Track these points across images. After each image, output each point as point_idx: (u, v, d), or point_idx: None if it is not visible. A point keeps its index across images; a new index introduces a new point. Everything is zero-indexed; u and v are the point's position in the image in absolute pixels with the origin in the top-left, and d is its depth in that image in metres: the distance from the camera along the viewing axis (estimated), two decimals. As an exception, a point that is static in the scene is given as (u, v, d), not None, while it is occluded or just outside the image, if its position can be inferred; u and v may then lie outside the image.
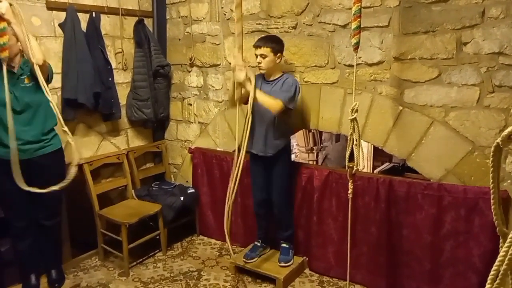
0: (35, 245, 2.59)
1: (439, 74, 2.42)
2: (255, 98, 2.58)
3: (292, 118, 2.86)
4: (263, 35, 2.82)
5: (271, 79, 2.74)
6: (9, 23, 2.08)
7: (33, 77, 2.35)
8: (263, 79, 2.78)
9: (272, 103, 2.59)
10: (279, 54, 2.67)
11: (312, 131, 7.89)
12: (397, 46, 2.53)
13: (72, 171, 2.24)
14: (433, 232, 2.51)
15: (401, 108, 2.59)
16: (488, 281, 0.82)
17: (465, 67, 2.34)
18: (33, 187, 2.24)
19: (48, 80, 2.44)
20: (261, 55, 2.63)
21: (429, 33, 2.41)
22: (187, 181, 3.74)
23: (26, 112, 2.34)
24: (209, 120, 3.58)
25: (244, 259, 2.99)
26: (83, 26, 2.99)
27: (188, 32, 3.53)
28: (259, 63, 2.66)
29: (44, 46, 2.80)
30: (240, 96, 2.71)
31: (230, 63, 2.80)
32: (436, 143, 2.49)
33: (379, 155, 7.71)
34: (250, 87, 2.59)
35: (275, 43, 2.65)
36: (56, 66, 2.84)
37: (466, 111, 2.37)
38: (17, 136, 2.28)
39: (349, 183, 2.35)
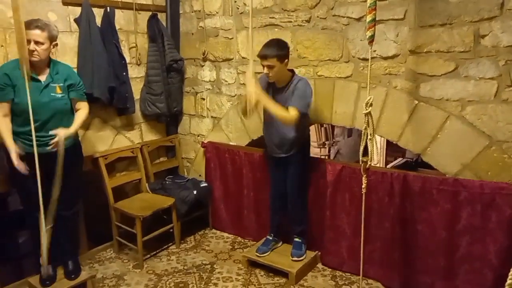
0: (52, 236, 2.64)
1: (456, 67, 2.38)
2: (271, 112, 2.58)
3: (308, 117, 2.84)
4: (265, 42, 2.65)
5: (281, 85, 2.68)
6: None
7: (63, 88, 2.43)
8: (273, 85, 2.72)
9: (286, 116, 2.53)
10: (286, 61, 2.58)
11: (324, 125, 7.84)
12: (412, 39, 2.50)
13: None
14: (448, 227, 2.48)
15: (416, 102, 2.55)
16: (510, 276, 0.81)
17: (483, 60, 2.29)
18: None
19: None
20: (268, 66, 2.54)
21: (446, 25, 2.37)
22: (200, 175, 3.77)
23: (51, 121, 2.41)
24: (222, 115, 3.59)
25: (257, 253, 3.00)
26: (98, 21, 3.01)
27: (201, 26, 3.53)
28: (267, 73, 2.58)
29: (60, 41, 2.82)
30: (253, 111, 2.68)
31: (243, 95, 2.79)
32: (452, 138, 2.45)
33: (391, 150, 7.63)
34: (265, 103, 2.56)
35: (280, 51, 2.53)
36: (72, 61, 2.88)
37: (484, 105, 2.33)
38: (39, 139, 2.35)
39: (363, 178, 2.33)
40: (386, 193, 2.67)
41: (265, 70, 2.58)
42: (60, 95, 2.43)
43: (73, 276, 2.68)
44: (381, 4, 2.47)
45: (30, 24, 2.27)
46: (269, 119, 2.77)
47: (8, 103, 2.33)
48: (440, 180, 2.48)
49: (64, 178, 2.54)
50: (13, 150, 2.27)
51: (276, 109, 2.55)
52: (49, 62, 2.44)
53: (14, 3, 2.02)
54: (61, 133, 2.35)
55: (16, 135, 2.40)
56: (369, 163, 2.28)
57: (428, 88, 2.50)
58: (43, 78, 2.39)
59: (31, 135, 2.34)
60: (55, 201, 2.35)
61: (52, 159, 2.42)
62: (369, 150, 2.23)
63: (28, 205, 2.60)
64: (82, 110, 2.59)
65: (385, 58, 2.62)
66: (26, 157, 2.39)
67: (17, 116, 2.37)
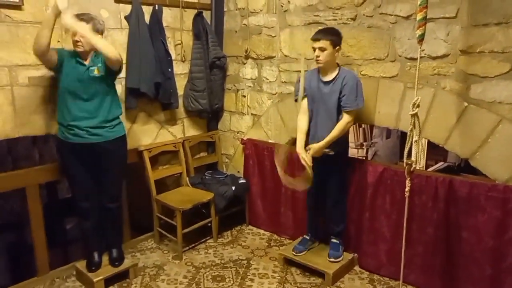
0: (98, 225, 2.77)
1: (511, 68, 2.27)
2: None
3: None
4: (320, 28, 2.77)
5: (328, 78, 2.67)
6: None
7: (102, 69, 2.52)
8: (318, 78, 2.71)
9: (345, 129, 2.65)
10: (338, 47, 2.61)
11: (363, 126, 7.69)
12: (464, 38, 2.40)
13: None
14: (496, 236, 2.37)
15: (466, 104, 2.45)
16: None
17: (542, 61, 2.17)
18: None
19: (119, 70, 2.62)
20: (319, 48, 2.57)
21: (502, 24, 2.26)
22: (238, 171, 3.81)
23: (93, 101, 2.50)
24: (262, 112, 3.61)
25: (293, 252, 3.00)
26: (147, 18, 3.11)
27: (244, 24, 3.57)
28: (317, 56, 2.60)
29: (111, 38, 2.95)
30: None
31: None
32: (504, 143, 2.34)
33: (432, 153, 7.36)
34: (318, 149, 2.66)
35: (334, 36, 2.59)
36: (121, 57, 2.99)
37: (541, 109, 2.21)
38: (83, 123, 2.48)
39: (407, 181, 2.27)
40: (430, 197, 2.59)
41: (316, 53, 2.60)
42: (98, 75, 2.51)
43: (117, 263, 2.80)
44: (432, 2, 2.36)
45: (77, 17, 2.39)
46: (317, 116, 2.76)
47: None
48: (489, 187, 2.38)
49: (109, 172, 2.67)
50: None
51: (332, 137, 2.63)
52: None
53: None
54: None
55: (61, 124, 2.54)
56: (413, 166, 2.22)
57: (480, 90, 2.39)
58: (87, 62, 2.50)
59: (73, 125, 2.47)
60: None
61: (95, 150, 2.54)
62: (415, 152, 2.18)
63: (75, 194, 2.74)
64: None
65: (434, 58, 2.53)
66: (70, 147, 2.53)
67: (61, 99, 2.49)
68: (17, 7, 2.47)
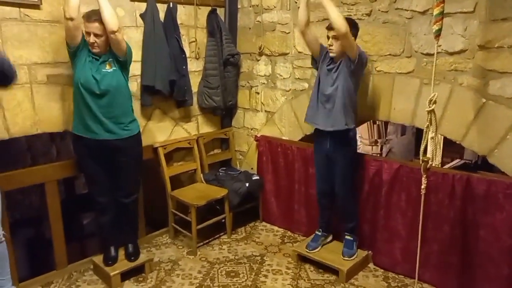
0: (114, 220, 2.82)
1: (531, 64, 2.22)
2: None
3: (358, 101, 2.77)
4: None
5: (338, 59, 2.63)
6: None
7: (114, 63, 2.55)
8: (331, 58, 2.68)
9: (341, 18, 2.40)
10: (352, 39, 2.55)
11: (377, 123, 7.62)
12: (483, 33, 2.36)
13: None
14: (515, 234, 2.34)
15: (484, 100, 2.41)
16: None
17: None
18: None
19: (127, 54, 2.58)
20: (333, 36, 2.54)
21: (522, 19, 2.21)
22: (252, 168, 3.82)
23: (106, 97, 2.51)
24: (275, 109, 3.61)
25: (307, 249, 2.99)
26: (161, 16, 3.14)
27: (258, 21, 3.56)
28: (330, 45, 2.57)
29: (127, 36, 2.97)
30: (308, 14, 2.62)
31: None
32: (523, 139, 2.30)
33: (448, 151, 7.25)
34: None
35: (349, 26, 2.51)
36: (137, 55, 3.00)
37: (562, 105, 2.16)
38: (97, 118, 2.50)
39: (423, 178, 2.25)
40: (447, 195, 2.56)
41: (329, 42, 2.58)
42: (110, 70, 2.52)
43: (132, 258, 2.84)
44: (449, -4, 2.35)
45: (90, 17, 2.40)
46: (317, 101, 2.74)
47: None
48: (508, 184, 2.34)
49: (124, 170, 2.71)
50: None
51: (331, 6, 2.43)
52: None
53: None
54: None
55: (76, 119, 2.57)
56: (430, 163, 2.20)
57: (498, 86, 2.35)
58: (100, 58, 2.52)
59: (88, 118, 2.50)
60: None
61: (109, 148, 2.58)
62: (431, 149, 2.15)
63: (91, 189, 2.79)
64: None
65: (451, 54, 2.49)
66: (85, 143, 2.57)
67: (76, 93, 2.52)
68: (36, 6, 2.52)
